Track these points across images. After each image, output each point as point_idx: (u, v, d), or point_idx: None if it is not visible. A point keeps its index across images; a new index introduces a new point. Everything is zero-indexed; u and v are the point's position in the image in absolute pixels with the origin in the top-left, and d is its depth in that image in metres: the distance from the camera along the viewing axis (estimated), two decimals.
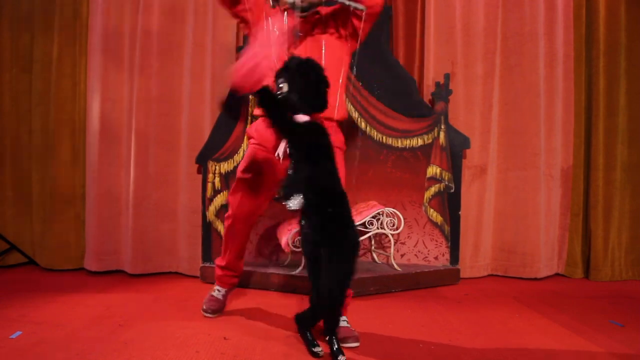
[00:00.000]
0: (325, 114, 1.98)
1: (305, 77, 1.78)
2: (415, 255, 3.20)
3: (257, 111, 2.17)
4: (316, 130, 1.79)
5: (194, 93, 3.21)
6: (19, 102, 3.48)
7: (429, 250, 3.18)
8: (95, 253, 3.25)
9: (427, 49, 3.29)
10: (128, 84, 3.28)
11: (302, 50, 2.10)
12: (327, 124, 1.98)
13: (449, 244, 3.14)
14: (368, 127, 3.21)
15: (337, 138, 2.18)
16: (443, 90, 3.18)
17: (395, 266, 2.99)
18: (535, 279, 3.20)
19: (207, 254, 3.11)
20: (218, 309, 2.38)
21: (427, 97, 3.27)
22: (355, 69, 2.84)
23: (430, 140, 3.15)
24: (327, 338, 1.84)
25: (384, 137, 3.20)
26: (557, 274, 3.34)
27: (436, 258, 3.17)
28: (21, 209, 3.49)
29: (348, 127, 3.23)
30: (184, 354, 1.83)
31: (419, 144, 3.17)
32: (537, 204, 3.22)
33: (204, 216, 3.11)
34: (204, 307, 2.36)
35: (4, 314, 2.30)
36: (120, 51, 3.28)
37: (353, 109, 3.22)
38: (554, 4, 3.26)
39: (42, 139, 3.43)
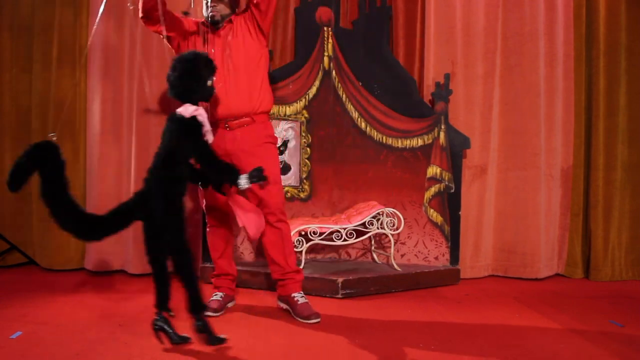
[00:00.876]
0: (248, 108, 2.28)
1: (173, 70, 2.02)
2: (415, 255, 3.20)
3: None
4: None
5: None
6: (19, 102, 3.48)
7: (429, 251, 3.18)
8: (95, 253, 3.24)
9: (427, 49, 3.28)
10: (128, 84, 3.28)
11: (220, 58, 2.29)
12: (255, 118, 2.30)
13: (449, 244, 3.14)
14: (368, 127, 3.21)
15: (266, 133, 2.36)
16: (443, 90, 3.18)
17: (395, 266, 2.99)
18: (536, 279, 3.20)
19: (207, 254, 3.10)
20: (219, 307, 2.39)
21: (427, 97, 3.26)
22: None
23: (430, 141, 3.15)
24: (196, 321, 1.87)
25: (384, 137, 3.20)
26: (557, 274, 3.34)
27: (436, 258, 3.17)
28: (21, 209, 3.49)
29: (348, 127, 3.24)
30: (184, 354, 1.83)
31: (419, 144, 3.17)
32: (537, 204, 3.22)
33: (204, 216, 3.10)
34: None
35: (4, 314, 2.30)
36: (121, 51, 3.27)
37: (353, 109, 3.22)
38: (554, 4, 3.26)
39: (42, 139, 3.41)
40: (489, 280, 3.25)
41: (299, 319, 2.27)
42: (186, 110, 1.98)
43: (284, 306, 2.42)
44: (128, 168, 3.26)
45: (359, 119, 3.19)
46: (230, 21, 2.37)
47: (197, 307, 1.91)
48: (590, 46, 3.32)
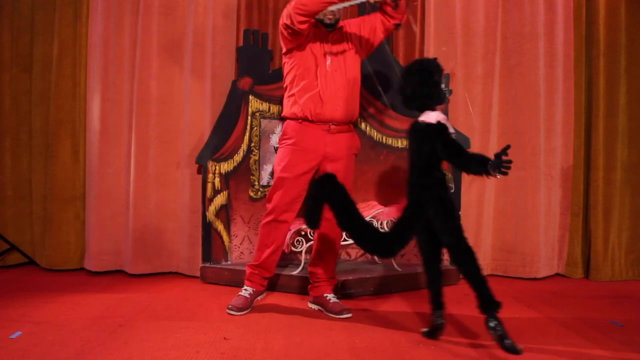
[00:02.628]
0: (350, 116, 2.42)
1: (409, 82, 2.08)
2: (415, 255, 3.20)
3: (285, 112, 2.46)
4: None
5: (194, 93, 3.21)
6: (19, 102, 3.48)
7: None
8: (95, 253, 3.25)
9: (427, 48, 3.28)
10: (128, 84, 3.28)
11: (335, 63, 2.40)
12: (349, 128, 2.47)
13: None
14: (368, 127, 3.21)
15: (356, 143, 2.52)
16: None
17: (395, 266, 2.99)
18: (535, 279, 3.20)
19: (207, 254, 3.11)
20: (244, 306, 2.39)
21: None
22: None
23: None
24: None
25: (384, 137, 3.20)
26: (557, 274, 3.34)
27: None
28: (21, 209, 3.49)
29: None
30: (184, 354, 1.83)
31: None
32: (537, 204, 3.22)
33: (204, 216, 3.11)
34: (229, 306, 2.39)
35: (4, 314, 2.30)
36: (120, 51, 3.28)
37: None
38: (554, 4, 3.25)
39: (42, 139, 3.43)
40: (488, 279, 3.24)
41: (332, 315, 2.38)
42: (429, 117, 2.01)
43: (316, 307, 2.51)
44: (128, 168, 3.26)
45: (358, 119, 3.19)
46: (342, 27, 2.45)
47: (487, 305, 1.96)
48: (590, 46, 3.32)
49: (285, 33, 2.36)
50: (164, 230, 3.25)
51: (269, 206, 2.44)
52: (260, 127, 3.16)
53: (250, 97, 3.12)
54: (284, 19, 2.33)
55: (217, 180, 3.10)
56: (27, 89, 3.46)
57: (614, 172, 3.26)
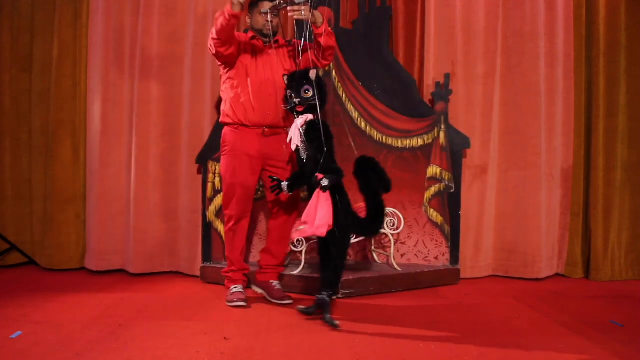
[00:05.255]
0: (281, 121, 2.59)
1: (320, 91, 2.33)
2: (415, 255, 3.20)
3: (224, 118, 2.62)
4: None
5: (194, 93, 3.21)
6: (19, 102, 3.48)
7: (429, 250, 3.18)
8: (96, 253, 3.25)
9: (427, 49, 3.28)
10: (128, 84, 3.28)
11: (270, 71, 2.58)
12: (284, 130, 2.58)
13: (449, 244, 3.14)
14: (368, 127, 3.21)
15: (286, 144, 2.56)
16: (443, 90, 3.18)
17: (395, 266, 2.99)
18: (536, 279, 3.20)
19: (207, 254, 3.11)
20: (245, 298, 2.54)
21: (427, 97, 3.26)
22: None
23: (430, 140, 3.15)
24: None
25: (384, 137, 3.20)
26: (557, 274, 3.33)
27: (436, 258, 3.17)
28: (21, 209, 3.49)
29: (348, 126, 3.24)
30: (184, 354, 1.83)
31: (419, 144, 3.17)
32: (538, 204, 3.22)
33: (204, 216, 3.11)
34: (234, 299, 2.51)
35: (4, 314, 2.31)
36: (121, 51, 3.28)
37: (353, 109, 3.22)
38: (554, 3, 3.25)
39: (42, 139, 3.43)
40: (489, 280, 3.25)
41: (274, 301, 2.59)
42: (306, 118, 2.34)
43: (259, 291, 2.71)
44: (128, 168, 3.26)
45: (358, 119, 3.19)
46: (277, 41, 2.64)
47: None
48: (590, 46, 3.32)
49: (218, 60, 2.57)
50: (165, 230, 3.25)
51: (228, 213, 2.62)
52: None
53: None
54: (210, 49, 2.52)
55: (217, 180, 3.09)
56: (27, 89, 3.46)
57: (614, 172, 3.26)
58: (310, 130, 2.31)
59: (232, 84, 2.57)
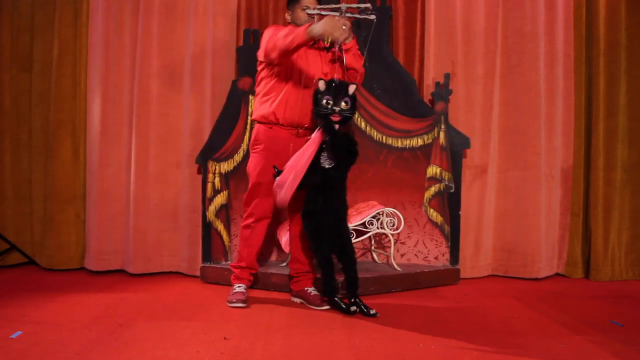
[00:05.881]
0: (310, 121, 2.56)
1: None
2: (415, 255, 3.20)
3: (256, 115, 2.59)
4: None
5: (194, 93, 3.21)
6: (19, 102, 3.48)
7: (429, 250, 3.18)
8: (96, 253, 3.25)
9: (427, 48, 3.28)
10: (128, 84, 3.28)
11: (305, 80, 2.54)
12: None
13: (449, 244, 3.14)
14: (368, 127, 3.21)
15: None
16: (443, 90, 3.18)
17: (395, 266, 2.99)
18: (536, 279, 3.20)
19: (207, 254, 3.11)
20: (245, 299, 2.52)
21: (427, 97, 3.26)
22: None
23: (430, 140, 3.15)
24: (352, 300, 2.37)
25: (384, 137, 3.20)
26: (557, 274, 3.34)
27: (436, 258, 3.17)
28: (21, 209, 3.49)
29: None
30: (184, 354, 1.83)
31: (419, 144, 3.17)
32: (538, 204, 3.22)
33: (204, 216, 3.11)
34: (232, 300, 2.51)
35: (4, 314, 2.30)
36: (121, 51, 3.28)
37: None
38: (554, 3, 3.25)
39: (42, 139, 3.43)
40: (489, 280, 3.25)
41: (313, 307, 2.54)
42: None
43: (298, 300, 2.65)
44: (128, 168, 3.26)
45: (358, 119, 3.19)
46: (317, 41, 2.58)
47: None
48: (590, 46, 3.32)
49: (275, 60, 2.45)
50: (164, 230, 3.25)
51: (248, 210, 2.61)
52: None
53: (251, 97, 3.12)
54: (264, 56, 2.46)
55: (217, 180, 3.10)
56: (27, 88, 3.47)
57: (614, 172, 3.26)
58: (343, 141, 2.36)
59: (270, 81, 2.53)
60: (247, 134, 3.13)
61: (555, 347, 1.94)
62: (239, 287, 2.60)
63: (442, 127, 3.14)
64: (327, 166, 2.37)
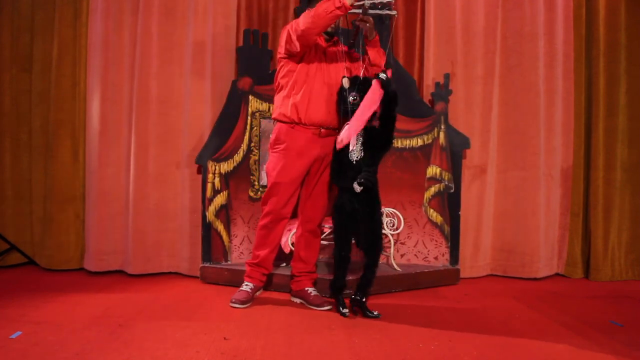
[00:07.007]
0: (335, 122, 2.52)
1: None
2: (415, 255, 3.20)
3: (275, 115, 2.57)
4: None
5: (194, 93, 3.21)
6: (19, 102, 3.48)
7: (428, 251, 3.18)
8: (95, 253, 3.25)
9: (427, 49, 3.28)
10: (128, 84, 3.28)
11: (328, 72, 2.52)
12: (335, 132, 2.51)
13: (449, 244, 3.14)
14: None
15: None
16: (443, 90, 3.18)
17: (395, 266, 2.99)
18: (535, 279, 3.20)
19: (207, 254, 3.11)
20: (246, 299, 2.51)
21: (427, 97, 3.26)
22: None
23: (430, 141, 3.15)
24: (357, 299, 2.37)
25: None
26: (557, 274, 3.34)
27: (436, 258, 3.17)
28: (21, 209, 3.49)
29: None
30: (184, 354, 1.83)
31: (419, 144, 3.17)
32: (537, 204, 3.22)
33: (204, 216, 3.11)
34: (232, 299, 2.51)
35: (4, 314, 2.30)
36: (120, 51, 3.27)
37: None
38: (554, 3, 3.26)
39: (42, 139, 3.43)
40: (488, 280, 3.25)
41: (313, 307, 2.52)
42: None
43: (298, 300, 2.63)
44: (128, 168, 3.26)
45: None
46: (336, 42, 2.59)
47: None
48: (590, 46, 3.32)
49: (297, 43, 2.39)
50: (164, 230, 3.25)
51: (265, 209, 2.58)
52: (260, 127, 3.16)
53: (250, 97, 3.12)
54: (294, 32, 2.37)
55: (217, 180, 3.10)
56: (27, 88, 3.46)
57: (614, 172, 3.26)
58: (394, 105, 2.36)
59: (291, 80, 2.49)
60: (247, 134, 3.13)
61: (555, 347, 1.94)
62: (246, 285, 2.59)
63: (442, 127, 3.14)
64: (355, 159, 2.34)
